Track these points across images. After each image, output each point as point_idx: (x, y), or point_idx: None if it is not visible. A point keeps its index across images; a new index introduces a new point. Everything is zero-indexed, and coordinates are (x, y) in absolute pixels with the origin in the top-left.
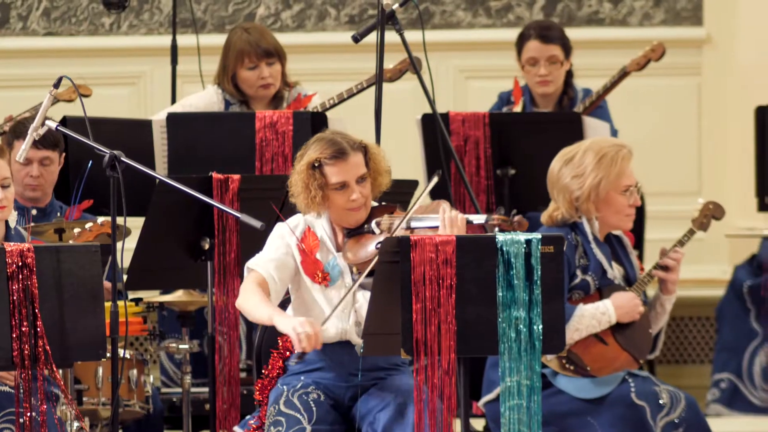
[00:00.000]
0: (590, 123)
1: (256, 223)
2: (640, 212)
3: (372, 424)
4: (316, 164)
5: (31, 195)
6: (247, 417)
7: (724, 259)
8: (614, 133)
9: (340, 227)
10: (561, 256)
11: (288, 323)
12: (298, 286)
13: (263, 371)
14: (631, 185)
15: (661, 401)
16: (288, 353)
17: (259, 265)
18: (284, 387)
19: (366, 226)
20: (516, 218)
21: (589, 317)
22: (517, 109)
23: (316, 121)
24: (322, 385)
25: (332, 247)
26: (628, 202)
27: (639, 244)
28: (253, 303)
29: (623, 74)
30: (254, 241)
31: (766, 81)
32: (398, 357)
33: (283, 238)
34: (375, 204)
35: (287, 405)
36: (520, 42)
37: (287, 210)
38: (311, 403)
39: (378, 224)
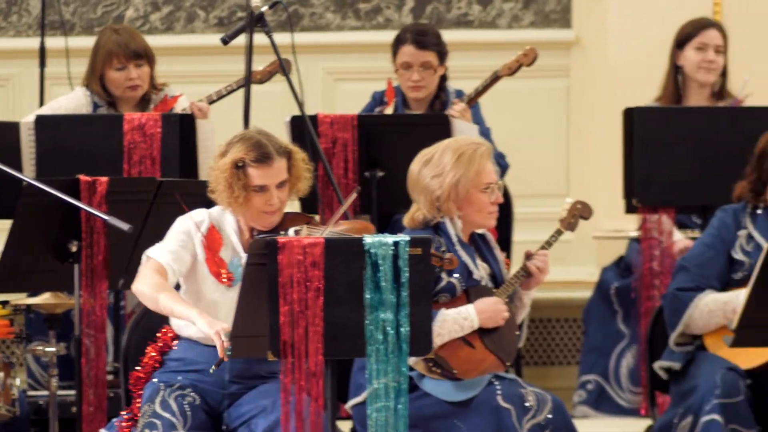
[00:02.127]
0: (458, 125)
1: (124, 226)
2: (508, 213)
3: (249, 426)
4: (240, 164)
5: None
6: (113, 419)
7: (592, 260)
8: (486, 131)
9: (248, 227)
10: (428, 258)
11: (212, 327)
12: (199, 285)
13: (140, 362)
14: (491, 183)
15: (527, 403)
16: (167, 348)
17: (158, 254)
18: (161, 384)
19: (282, 232)
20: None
21: (452, 322)
22: (390, 109)
23: (185, 124)
24: (199, 389)
25: (239, 246)
26: (489, 199)
27: (507, 246)
28: (169, 296)
29: (495, 78)
30: (122, 244)
31: (634, 83)
32: (276, 365)
33: (187, 233)
34: (288, 211)
35: (163, 406)
36: (396, 45)
37: (155, 212)
38: (187, 407)
39: (297, 233)
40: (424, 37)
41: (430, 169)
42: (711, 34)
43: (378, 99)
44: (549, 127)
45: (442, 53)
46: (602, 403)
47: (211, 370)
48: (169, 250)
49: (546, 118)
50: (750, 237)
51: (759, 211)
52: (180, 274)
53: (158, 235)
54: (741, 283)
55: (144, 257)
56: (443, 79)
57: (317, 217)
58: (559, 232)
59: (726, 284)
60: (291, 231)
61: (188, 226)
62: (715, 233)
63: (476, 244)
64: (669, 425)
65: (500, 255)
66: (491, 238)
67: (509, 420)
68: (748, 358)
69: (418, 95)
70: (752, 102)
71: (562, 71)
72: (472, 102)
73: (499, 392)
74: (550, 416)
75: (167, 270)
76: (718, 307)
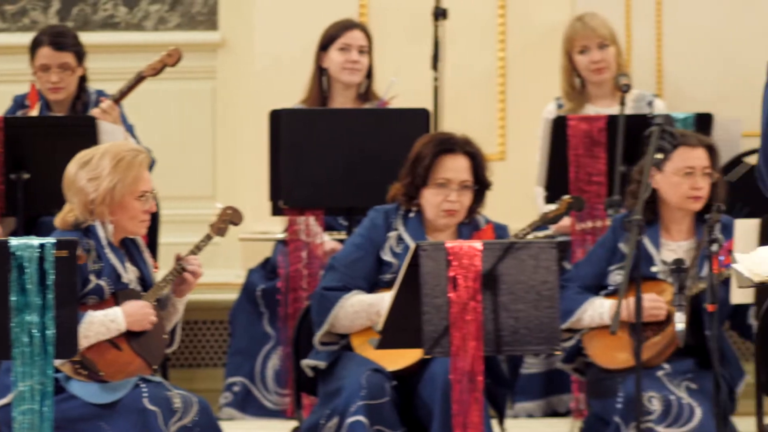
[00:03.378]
0: (104, 127)
1: None
2: (155, 216)
3: None
4: None
5: None
6: None
7: (238, 263)
8: (129, 127)
9: None
10: (75, 261)
11: None
12: None
13: None
14: (147, 191)
15: (173, 406)
16: None
17: None
18: None
19: None
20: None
21: (98, 324)
22: (34, 112)
23: None
24: None
25: None
26: (143, 207)
27: (153, 248)
28: None
29: (139, 79)
30: None
31: (281, 85)
32: None
33: None
34: None
35: None
36: (33, 48)
37: None
38: None
39: None
40: (61, 39)
41: (88, 171)
42: (354, 35)
43: (19, 102)
44: (195, 129)
45: (80, 54)
46: (248, 405)
47: None
48: None
49: (192, 120)
50: (400, 239)
51: (411, 215)
52: None
53: None
54: (389, 285)
55: None
56: (83, 80)
57: None
58: (209, 237)
59: (375, 285)
60: None
61: None
62: (365, 234)
63: (126, 247)
64: (315, 426)
65: (149, 258)
66: (141, 242)
67: (155, 422)
68: (394, 359)
69: (58, 97)
70: (398, 104)
71: (208, 73)
72: (116, 103)
73: (145, 395)
74: (196, 418)
75: None
76: (363, 308)
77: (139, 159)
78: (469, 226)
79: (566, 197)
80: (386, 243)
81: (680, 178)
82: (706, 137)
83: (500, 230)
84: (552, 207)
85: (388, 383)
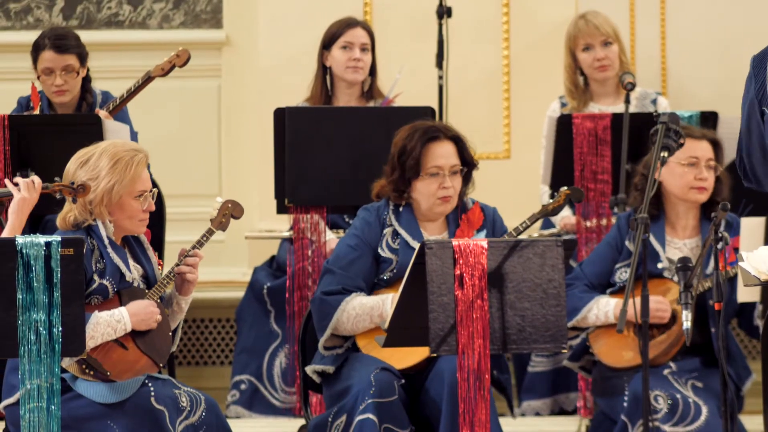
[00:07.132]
0: (110, 126)
1: None
2: (160, 214)
3: None
4: None
5: None
6: None
7: (244, 261)
8: (134, 135)
9: None
10: (81, 259)
11: None
12: None
13: None
14: (145, 190)
15: (180, 405)
16: None
17: None
18: None
19: None
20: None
21: (105, 325)
22: (37, 113)
23: None
24: None
25: None
26: (141, 207)
27: (159, 246)
28: None
29: (148, 79)
30: None
31: (284, 83)
32: None
33: None
34: None
35: None
36: (35, 52)
37: None
38: None
39: None
40: (63, 41)
41: (86, 171)
42: (356, 33)
43: (24, 104)
44: (200, 128)
45: (82, 55)
46: (255, 403)
47: None
48: None
49: (197, 119)
50: (396, 233)
51: (401, 208)
52: None
53: None
54: (389, 284)
55: None
56: (87, 80)
57: None
58: (210, 232)
59: (374, 285)
60: None
61: None
62: (359, 234)
63: (129, 245)
64: (323, 424)
65: (153, 256)
66: (144, 240)
67: (163, 421)
68: (401, 358)
69: (63, 99)
70: (402, 102)
71: (213, 71)
72: (125, 103)
73: (152, 394)
74: (203, 417)
75: None
76: (365, 311)
77: (138, 158)
78: (456, 209)
79: (564, 188)
80: (382, 240)
81: (684, 169)
82: (709, 131)
83: (487, 209)
84: (551, 199)
85: (397, 382)
